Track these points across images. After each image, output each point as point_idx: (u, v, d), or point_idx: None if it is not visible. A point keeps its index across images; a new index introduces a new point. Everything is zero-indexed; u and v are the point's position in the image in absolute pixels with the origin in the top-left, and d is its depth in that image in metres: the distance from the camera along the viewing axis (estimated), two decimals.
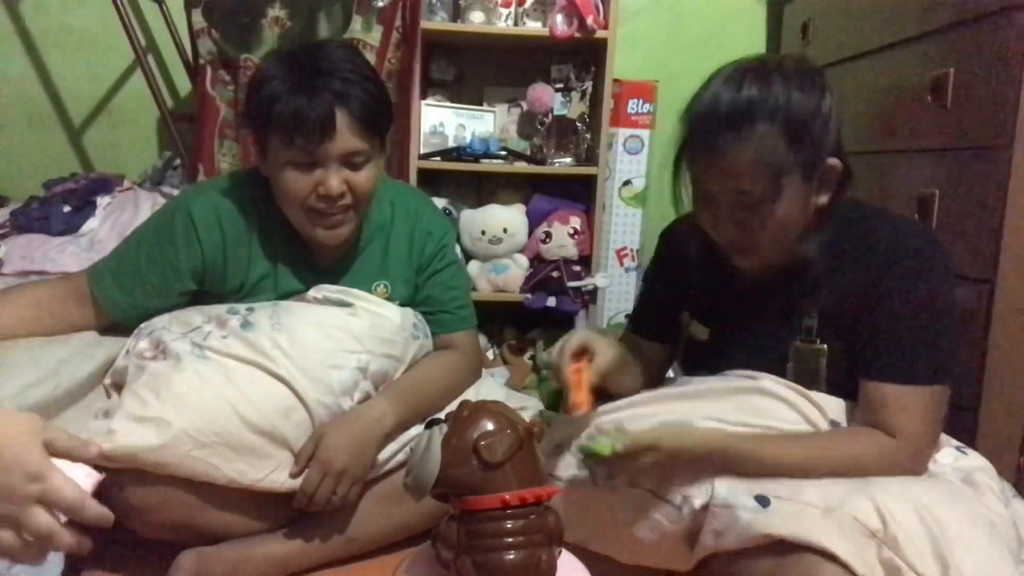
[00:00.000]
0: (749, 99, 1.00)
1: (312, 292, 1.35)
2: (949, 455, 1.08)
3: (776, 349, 1.13)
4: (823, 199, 1.07)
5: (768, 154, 0.99)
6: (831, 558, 0.88)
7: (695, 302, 1.27)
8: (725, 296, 1.21)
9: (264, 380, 1.20)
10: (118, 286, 1.29)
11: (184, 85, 2.25)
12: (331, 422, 1.21)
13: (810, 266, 1.10)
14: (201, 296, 1.36)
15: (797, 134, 0.99)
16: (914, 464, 1.02)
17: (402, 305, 1.42)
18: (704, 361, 1.21)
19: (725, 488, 0.98)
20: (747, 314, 1.18)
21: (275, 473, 1.18)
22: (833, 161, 1.04)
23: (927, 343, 1.03)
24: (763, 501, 0.96)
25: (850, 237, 1.09)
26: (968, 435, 1.25)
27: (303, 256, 1.36)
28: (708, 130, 1.02)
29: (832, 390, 1.09)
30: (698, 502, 1.01)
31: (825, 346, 1.10)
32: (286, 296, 1.37)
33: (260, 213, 1.33)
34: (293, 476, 1.19)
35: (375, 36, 1.99)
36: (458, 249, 2.15)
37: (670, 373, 1.40)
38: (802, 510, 0.93)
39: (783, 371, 1.12)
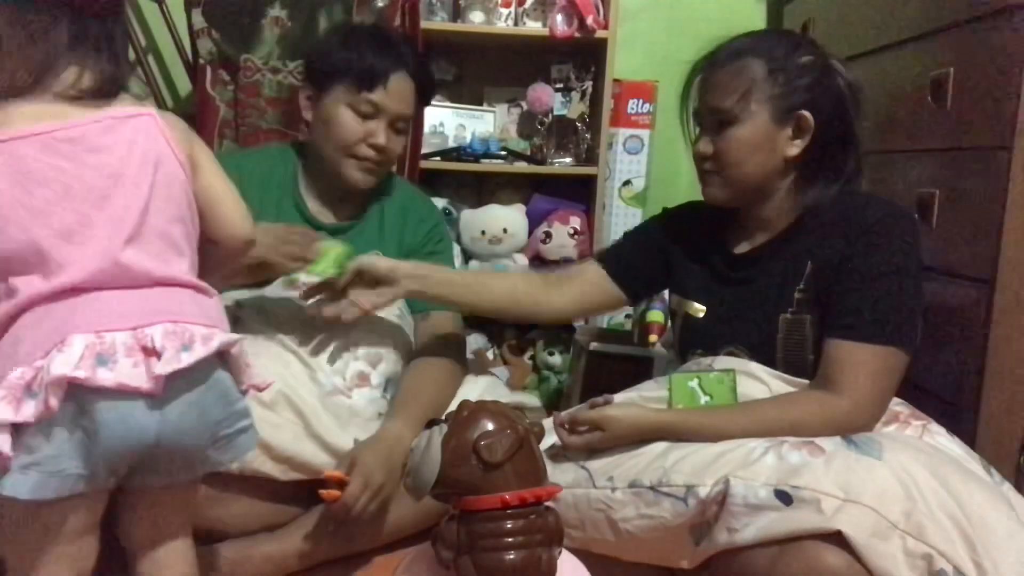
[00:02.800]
0: (747, 42, 1.19)
1: (303, 278, 1.39)
2: (915, 431, 1.10)
3: (767, 322, 1.18)
4: (793, 149, 1.17)
5: (744, 80, 1.15)
6: (833, 542, 0.90)
7: (690, 283, 1.31)
8: (720, 274, 1.27)
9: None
10: None
11: (184, 85, 2.25)
12: (361, 446, 1.23)
13: (796, 240, 1.19)
14: None
15: (774, 72, 1.15)
16: (854, 421, 1.05)
17: None
18: (700, 339, 1.27)
19: (742, 485, 0.97)
20: (740, 290, 1.24)
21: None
22: (804, 112, 1.14)
23: (885, 305, 1.08)
24: (785, 498, 0.94)
25: (831, 212, 1.17)
26: (968, 435, 1.24)
27: (308, 221, 1.47)
28: (712, 59, 1.21)
29: (819, 359, 1.13)
30: (703, 492, 1.01)
31: (809, 316, 1.15)
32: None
33: (274, 180, 1.48)
34: (327, 497, 1.18)
35: None
36: (457, 249, 2.16)
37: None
38: (821, 500, 0.92)
39: (774, 343, 1.18)
